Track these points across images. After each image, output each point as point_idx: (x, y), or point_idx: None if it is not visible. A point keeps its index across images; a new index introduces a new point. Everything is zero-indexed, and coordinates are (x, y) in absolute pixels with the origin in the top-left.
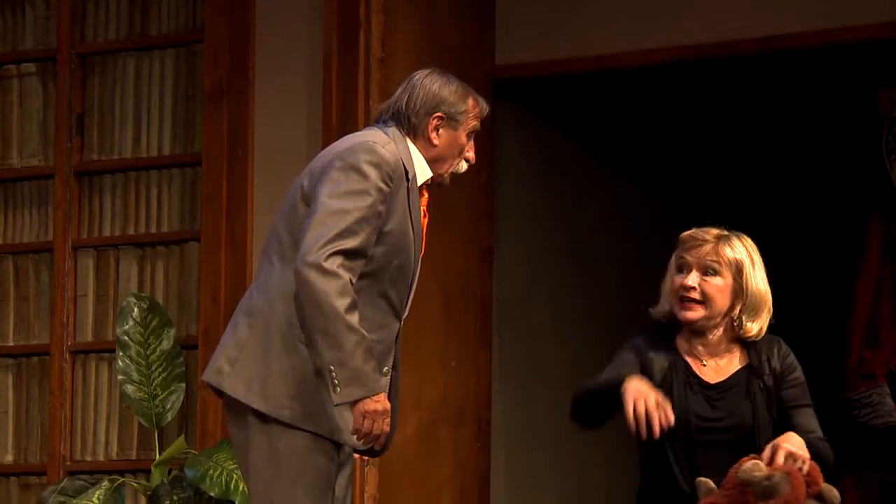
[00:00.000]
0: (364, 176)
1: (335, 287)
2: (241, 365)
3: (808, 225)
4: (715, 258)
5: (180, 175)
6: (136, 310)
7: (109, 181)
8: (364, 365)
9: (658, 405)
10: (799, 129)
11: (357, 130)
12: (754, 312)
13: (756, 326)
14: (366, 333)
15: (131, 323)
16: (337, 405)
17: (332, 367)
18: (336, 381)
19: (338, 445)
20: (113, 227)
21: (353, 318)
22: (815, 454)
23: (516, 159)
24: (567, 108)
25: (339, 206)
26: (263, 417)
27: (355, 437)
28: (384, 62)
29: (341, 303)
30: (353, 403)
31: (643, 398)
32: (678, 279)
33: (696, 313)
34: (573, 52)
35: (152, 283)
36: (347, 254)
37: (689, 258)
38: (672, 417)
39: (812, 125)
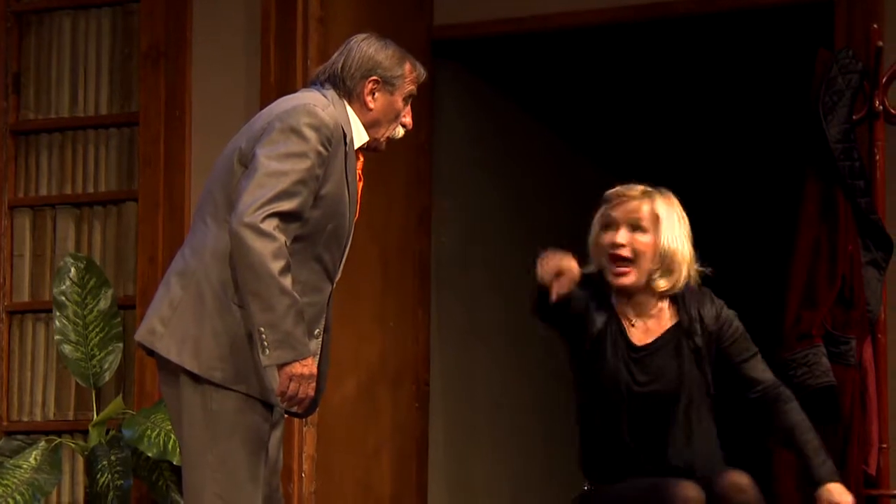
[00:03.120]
0: (303, 138)
1: (270, 249)
2: (174, 325)
3: (747, 185)
4: (641, 215)
5: (117, 135)
6: (73, 270)
7: (46, 140)
8: (294, 328)
9: (562, 269)
10: (738, 90)
11: (295, 91)
12: (667, 269)
13: (667, 282)
14: (298, 297)
15: (68, 283)
16: (266, 367)
17: (263, 329)
18: (266, 344)
19: (270, 406)
20: (50, 186)
21: (286, 281)
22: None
23: (455, 119)
24: (506, 68)
25: (278, 168)
26: (196, 378)
27: (280, 398)
28: (322, 22)
29: (275, 265)
30: (281, 366)
31: (551, 258)
32: (607, 236)
33: (628, 278)
34: (512, 12)
35: (89, 243)
36: (283, 216)
37: (617, 214)
38: (566, 285)
39: (751, 86)
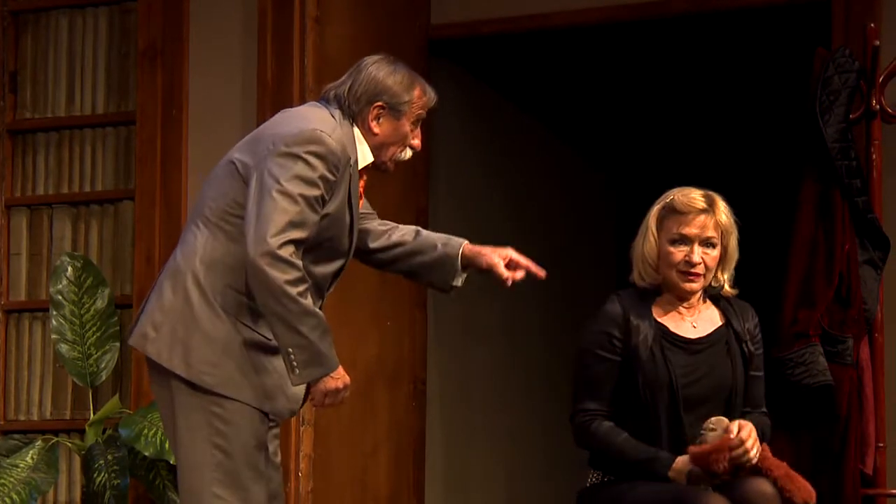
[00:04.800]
0: (311, 165)
1: (291, 276)
2: (164, 330)
3: (744, 184)
4: (714, 233)
5: (114, 134)
6: (69, 269)
7: (43, 139)
8: (322, 346)
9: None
10: (735, 90)
11: (291, 90)
12: (728, 269)
13: (727, 280)
14: (322, 315)
15: (65, 282)
16: (296, 385)
17: (291, 350)
18: (295, 364)
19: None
20: (46, 185)
21: (309, 302)
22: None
23: (451, 119)
24: (503, 67)
25: (288, 194)
26: (191, 382)
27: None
28: (319, 22)
29: (296, 289)
30: (313, 382)
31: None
32: (678, 253)
33: (698, 284)
34: (509, 11)
35: (86, 242)
36: (297, 242)
37: (690, 232)
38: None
39: (748, 85)
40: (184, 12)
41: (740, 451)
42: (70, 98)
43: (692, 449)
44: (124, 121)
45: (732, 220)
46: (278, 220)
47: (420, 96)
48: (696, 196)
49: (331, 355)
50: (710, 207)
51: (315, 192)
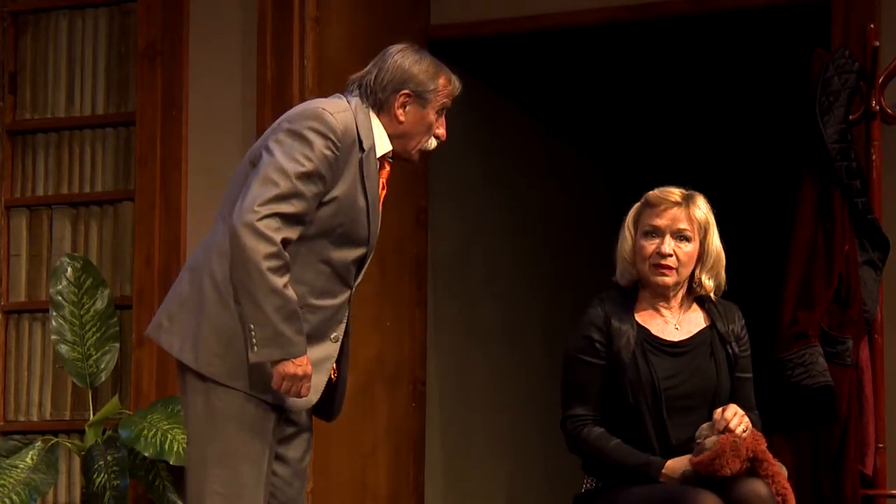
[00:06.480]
0: (307, 141)
1: (265, 249)
2: (178, 321)
3: (744, 185)
4: (687, 225)
5: (114, 135)
6: (69, 270)
7: (43, 140)
8: (284, 327)
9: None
10: (734, 90)
11: (291, 91)
12: (713, 271)
13: (713, 284)
14: (292, 298)
15: (65, 283)
16: (253, 363)
17: (252, 326)
18: (254, 341)
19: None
20: (46, 186)
21: (279, 282)
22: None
23: (451, 119)
24: (502, 68)
25: (280, 170)
26: (200, 375)
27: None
28: (319, 22)
29: (267, 264)
30: (274, 364)
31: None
32: (649, 245)
33: (671, 278)
34: (508, 12)
35: (86, 243)
36: (283, 217)
37: (661, 223)
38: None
39: (747, 86)
40: (183, 12)
41: (731, 429)
42: (70, 99)
43: (694, 459)
44: (124, 121)
45: (711, 219)
46: (266, 193)
47: (445, 85)
48: (672, 190)
49: (295, 340)
50: (685, 201)
51: (309, 167)
